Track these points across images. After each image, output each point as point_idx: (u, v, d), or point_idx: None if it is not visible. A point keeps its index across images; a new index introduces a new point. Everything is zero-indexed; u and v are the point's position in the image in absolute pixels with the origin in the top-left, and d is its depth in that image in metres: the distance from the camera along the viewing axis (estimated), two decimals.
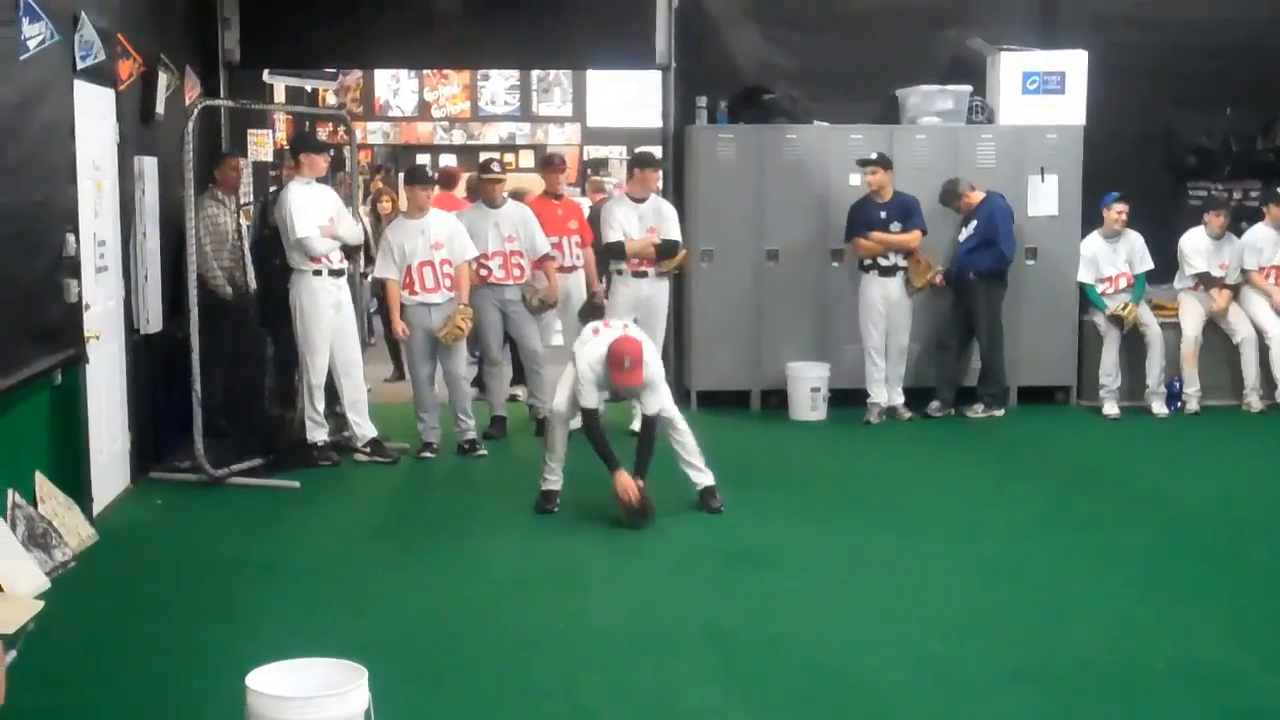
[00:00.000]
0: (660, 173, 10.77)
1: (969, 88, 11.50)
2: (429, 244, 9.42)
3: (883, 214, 10.60)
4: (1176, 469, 9.50)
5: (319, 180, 9.37)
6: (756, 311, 11.15)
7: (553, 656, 5.70)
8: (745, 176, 11.12)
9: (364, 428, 9.42)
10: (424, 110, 18.33)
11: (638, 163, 10.66)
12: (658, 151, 11.24)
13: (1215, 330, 11.33)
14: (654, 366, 7.86)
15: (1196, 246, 11.39)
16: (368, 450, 9.39)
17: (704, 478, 8.07)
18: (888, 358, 10.75)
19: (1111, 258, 11.19)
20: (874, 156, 10.62)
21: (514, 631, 6.01)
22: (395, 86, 18.16)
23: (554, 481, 8.12)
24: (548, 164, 11.57)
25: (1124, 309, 10.94)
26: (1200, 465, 9.60)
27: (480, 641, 5.89)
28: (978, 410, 10.91)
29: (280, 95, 14.66)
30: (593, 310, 10.58)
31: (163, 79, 9.11)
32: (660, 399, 7.90)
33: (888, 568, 7.03)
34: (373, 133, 18.16)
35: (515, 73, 17.87)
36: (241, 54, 11.22)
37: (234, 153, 10.48)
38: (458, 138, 18.45)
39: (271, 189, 12.15)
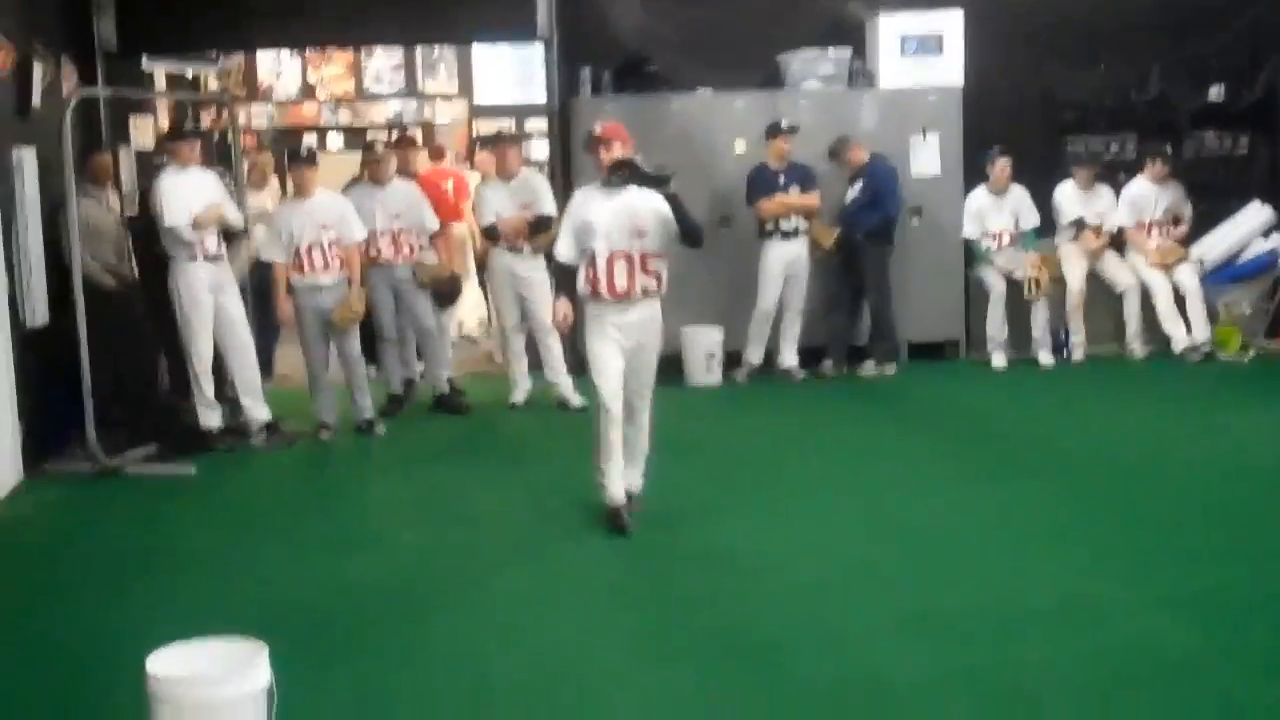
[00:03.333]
0: (519, 148, 10.85)
1: (849, 51, 11.62)
2: (317, 225, 9.38)
3: (781, 179, 10.77)
4: (1063, 418, 9.69)
5: (198, 166, 9.33)
6: None
7: (451, 619, 5.75)
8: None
9: (257, 411, 9.38)
10: (308, 91, 18.18)
11: (494, 143, 10.78)
12: (543, 124, 11.26)
13: (1098, 280, 11.59)
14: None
15: (1069, 196, 11.65)
16: (263, 434, 9.36)
17: (636, 479, 7.19)
18: (784, 320, 10.94)
19: (997, 213, 11.41)
20: (794, 125, 10.76)
21: (415, 604, 6.04)
22: (278, 68, 17.99)
23: (620, 489, 6.99)
24: (399, 143, 11.66)
25: (1035, 285, 11.17)
26: (1085, 413, 9.80)
27: (378, 611, 5.91)
28: (869, 368, 11.08)
29: (161, 82, 14.46)
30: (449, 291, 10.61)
31: (38, 69, 8.98)
32: (694, 228, 6.96)
33: (783, 525, 7.13)
34: (257, 116, 17.98)
35: (400, 51, 17.77)
36: (119, 41, 11.07)
37: (103, 148, 10.28)
38: (344, 117, 18.32)
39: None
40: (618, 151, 6.95)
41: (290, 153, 10.38)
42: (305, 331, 9.51)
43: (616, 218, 6.85)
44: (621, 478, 6.97)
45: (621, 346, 6.87)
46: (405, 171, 10.76)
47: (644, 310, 6.96)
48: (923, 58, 11.59)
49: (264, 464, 9.07)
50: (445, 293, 10.51)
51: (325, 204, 9.53)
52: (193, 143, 9.43)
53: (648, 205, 6.88)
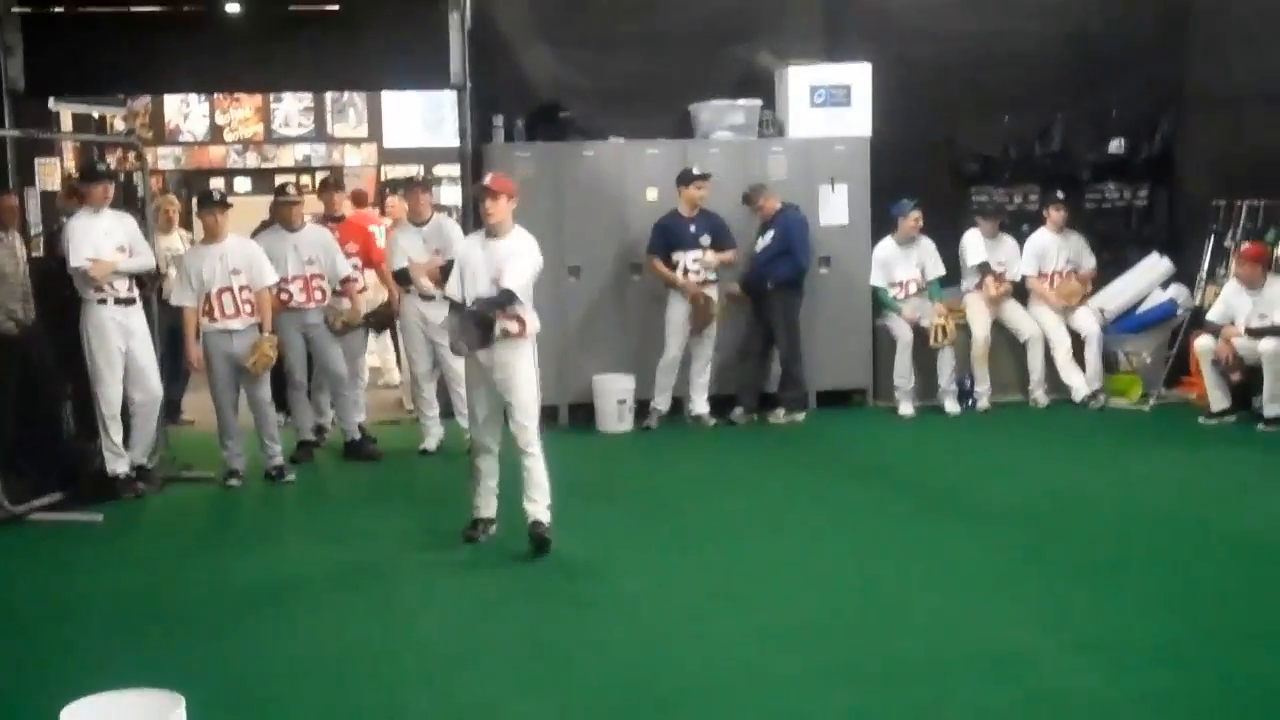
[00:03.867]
0: (430, 193, 10.93)
1: (759, 101, 11.76)
2: (227, 270, 9.32)
3: (692, 228, 10.86)
4: (971, 465, 9.83)
5: (112, 208, 9.24)
6: (560, 326, 11.23)
7: (373, 675, 5.71)
8: (544, 193, 11.20)
9: (118, 465, 9.13)
10: (216, 134, 18.04)
11: (407, 186, 10.85)
12: (452, 169, 11.33)
13: (1002, 330, 11.78)
14: (525, 245, 7.61)
15: (974, 243, 11.84)
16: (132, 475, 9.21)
17: (538, 511, 7.50)
18: (693, 368, 11.01)
19: (904, 263, 11.57)
20: (706, 172, 10.87)
21: (332, 652, 6.01)
22: (186, 110, 17.83)
23: (482, 508, 7.77)
24: (323, 186, 11.97)
25: (941, 333, 11.31)
26: (992, 460, 9.96)
27: (297, 664, 5.87)
28: (779, 415, 11.17)
29: (67, 123, 14.33)
30: (385, 319, 10.66)
31: None
32: (516, 277, 7.47)
33: (699, 573, 7.17)
34: (164, 158, 17.81)
35: (309, 94, 17.70)
36: (26, 82, 10.99)
37: (8, 189, 10.12)
38: (251, 161, 18.20)
39: (63, 219, 11.90)
40: (504, 204, 7.55)
41: (201, 196, 10.33)
42: (215, 377, 9.43)
43: (484, 265, 7.55)
44: (486, 500, 7.75)
45: (489, 385, 7.59)
46: (330, 215, 10.80)
47: (505, 352, 7.55)
48: (832, 109, 11.74)
49: (172, 511, 8.95)
50: (381, 318, 10.55)
51: (236, 248, 9.47)
52: (106, 185, 9.31)
53: (507, 255, 7.53)
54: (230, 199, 9.98)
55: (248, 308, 9.37)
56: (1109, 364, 11.85)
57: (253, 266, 9.42)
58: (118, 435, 9.10)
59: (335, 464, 10.17)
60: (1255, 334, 10.56)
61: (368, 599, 6.86)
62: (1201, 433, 10.63)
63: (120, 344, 9.04)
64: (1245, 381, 10.72)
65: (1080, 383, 11.60)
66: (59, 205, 11.35)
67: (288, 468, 9.69)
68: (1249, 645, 5.83)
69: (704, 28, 12.00)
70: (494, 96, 11.63)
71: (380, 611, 6.63)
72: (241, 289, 9.34)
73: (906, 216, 11.49)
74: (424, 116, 17.96)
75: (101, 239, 8.98)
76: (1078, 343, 11.73)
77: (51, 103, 12.92)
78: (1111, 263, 12.33)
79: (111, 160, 15.72)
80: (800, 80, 11.75)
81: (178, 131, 17.88)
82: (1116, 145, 12.73)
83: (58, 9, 11.26)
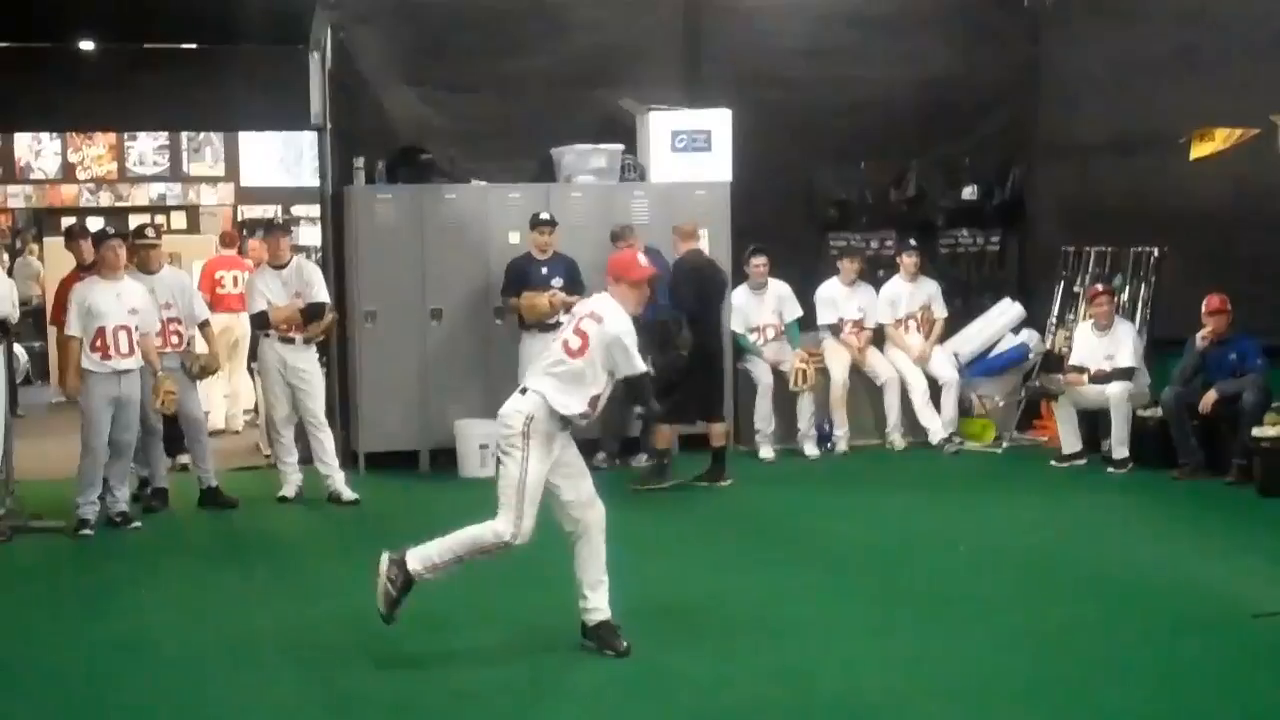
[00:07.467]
0: (290, 237, 10.86)
1: (621, 146, 11.82)
2: (125, 308, 9.14)
3: (544, 270, 10.82)
4: (829, 508, 9.90)
5: None
6: (422, 371, 11.20)
7: None
8: (406, 236, 11.17)
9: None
10: (68, 172, 17.71)
11: (268, 229, 10.77)
12: (309, 209, 11.25)
13: (860, 373, 11.94)
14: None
15: (830, 296, 12.04)
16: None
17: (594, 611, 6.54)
18: None
19: (759, 309, 11.70)
20: (551, 218, 10.85)
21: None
22: (37, 147, 17.50)
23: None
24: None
25: (802, 377, 11.44)
26: (851, 503, 10.06)
27: None
28: (643, 460, 11.17)
29: None
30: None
31: None
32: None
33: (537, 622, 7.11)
34: (14, 196, 17.45)
35: (164, 133, 17.45)
36: None
37: None
38: (105, 199, 17.89)
39: None
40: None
41: (134, 231, 10.37)
42: (98, 421, 9.13)
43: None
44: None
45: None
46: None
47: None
48: (693, 154, 11.83)
49: (18, 564, 8.66)
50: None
51: (132, 288, 9.29)
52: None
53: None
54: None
55: (137, 349, 9.20)
56: (962, 408, 12.09)
57: (148, 309, 9.32)
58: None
59: (192, 512, 9.93)
60: (1101, 378, 10.78)
61: (225, 657, 6.70)
62: (1053, 475, 10.85)
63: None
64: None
65: (937, 426, 11.80)
66: None
67: (133, 513, 9.48)
68: (1105, 683, 5.95)
69: (566, 72, 12.04)
70: (355, 138, 11.55)
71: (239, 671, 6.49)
72: (135, 329, 9.18)
73: (747, 262, 11.64)
74: (282, 155, 17.83)
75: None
76: (934, 386, 11.93)
77: None
78: (964, 308, 12.58)
79: None
80: (661, 125, 11.84)
81: (28, 169, 17.53)
82: (970, 192, 13.02)
83: None
